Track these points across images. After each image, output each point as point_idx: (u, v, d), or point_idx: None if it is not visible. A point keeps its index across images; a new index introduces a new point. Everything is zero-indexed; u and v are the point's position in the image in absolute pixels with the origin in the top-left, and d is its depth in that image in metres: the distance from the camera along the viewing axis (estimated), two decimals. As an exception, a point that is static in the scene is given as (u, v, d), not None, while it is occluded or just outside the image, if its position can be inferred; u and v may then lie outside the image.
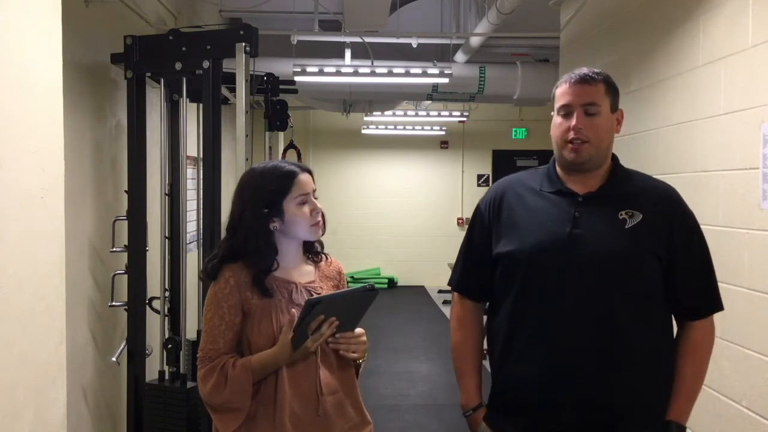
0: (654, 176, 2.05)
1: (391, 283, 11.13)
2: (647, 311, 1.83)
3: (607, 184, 1.91)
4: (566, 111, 1.87)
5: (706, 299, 1.91)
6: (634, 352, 1.81)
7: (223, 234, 2.01)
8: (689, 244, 1.88)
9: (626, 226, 1.83)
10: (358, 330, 1.96)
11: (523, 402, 1.88)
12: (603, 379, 1.80)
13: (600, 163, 1.90)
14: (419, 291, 10.91)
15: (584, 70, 1.89)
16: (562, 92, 1.89)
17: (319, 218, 1.95)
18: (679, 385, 1.87)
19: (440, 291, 10.60)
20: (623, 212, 1.85)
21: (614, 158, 1.96)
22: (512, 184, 2.02)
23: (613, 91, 1.89)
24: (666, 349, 1.88)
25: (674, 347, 1.90)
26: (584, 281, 1.81)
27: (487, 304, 2.02)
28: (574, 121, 1.84)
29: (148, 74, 3.59)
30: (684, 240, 1.87)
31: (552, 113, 1.94)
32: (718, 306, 1.93)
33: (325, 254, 2.07)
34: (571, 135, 1.85)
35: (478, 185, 11.36)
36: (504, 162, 11.33)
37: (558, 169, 1.95)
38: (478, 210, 2.06)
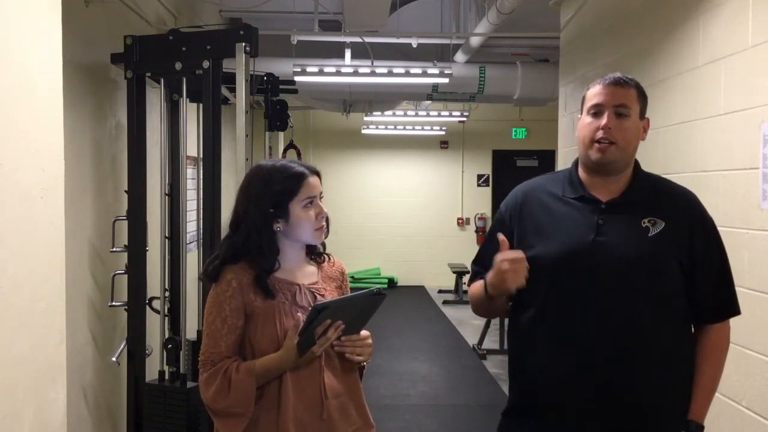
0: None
1: (391, 283, 11.12)
2: (669, 315, 1.86)
3: (629, 191, 1.92)
4: (597, 110, 1.88)
5: (724, 303, 1.94)
6: (657, 355, 1.84)
7: (224, 234, 1.99)
8: (709, 250, 1.91)
9: (649, 234, 1.85)
10: (364, 332, 1.94)
11: (544, 404, 1.90)
12: (626, 379, 1.82)
13: (623, 168, 1.92)
14: (419, 291, 10.91)
15: (617, 74, 1.91)
16: (594, 93, 1.90)
17: (324, 222, 1.92)
18: (698, 385, 1.90)
19: (440, 291, 10.60)
20: (646, 220, 1.87)
21: (636, 163, 1.97)
22: (534, 188, 2.03)
23: (643, 98, 1.91)
24: (686, 351, 1.91)
25: (693, 348, 1.92)
26: (607, 288, 1.83)
27: (510, 304, 2.03)
28: (604, 120, 1.85)
29: (148, 74, 3.59)
30: (704, 246, 1.90)
31: (578, 115, 1.96)
32: (736, 310, 1.96)
33: (327, 255, 2.05)
34: (600, 134, 1.86)
35: (478, 185, 11.36)
36: (504, 162, 11.35)
37: (580, 172, 1.96)
38: (499, 214, 2.07)
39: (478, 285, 1.98)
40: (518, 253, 1.83)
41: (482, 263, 2.02)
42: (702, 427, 1.90)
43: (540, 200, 1.98)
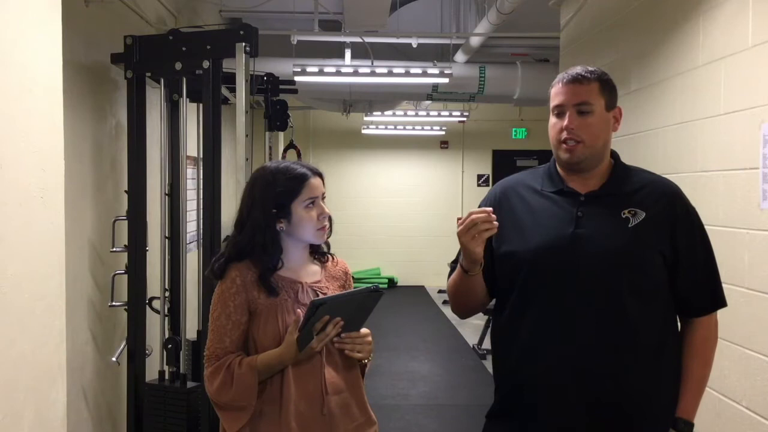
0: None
1: (391, 283, 11.12)
2: (653, 308, 1.83)
3: (609, 183, 1.90)
4: (559, 111, 1.87)
5: (710, 296, 1.91)
6: (641, 350, 1.81)
7: (224, 234, 2.02)
8: (693, 241, 1.88)
9: (629, 225, 1.83)
10: (364, 330, 1.97)
11: (527, 403, 1.88)
12: (610, 376, 1.80)
13: (596, 163, 1.90)
14: (419, 291, 10.91)
15: (577, 69, 1.88)
16: (555, 92, 1.88)
17: (326, 222, 1.97)
18: (686, 382, 1.87)
19: (440, 291, 10.60)
20: (626, 211, 1.84)
21: (615, 155, 1.95)
22: (513, 184, 2.01)
23: (608, 89, 1.88)
24: (672, 345, 1.88)
25: (679, 344, 1.90)
26: (589, 280, 1.81)
27: (492, 302, 2.02)
28: (566, 121, 1.84)
29: (148, 74, 3.58)
30: (687, 237, 1.87)
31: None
32: (722, 302, 1.93)
33: (331, 254, 2.09)
34: (564, 135, 1.84)
35: (478, 185, 11.37)
36: (504, 162, 11.34)
37: (558, 168, 1.95)
38: None
39: (455, 272, 1.95)
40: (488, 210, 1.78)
41: (459, 261, 2.00)
42: (691, 425, 1.86)
43: (519, 195, 1.97)
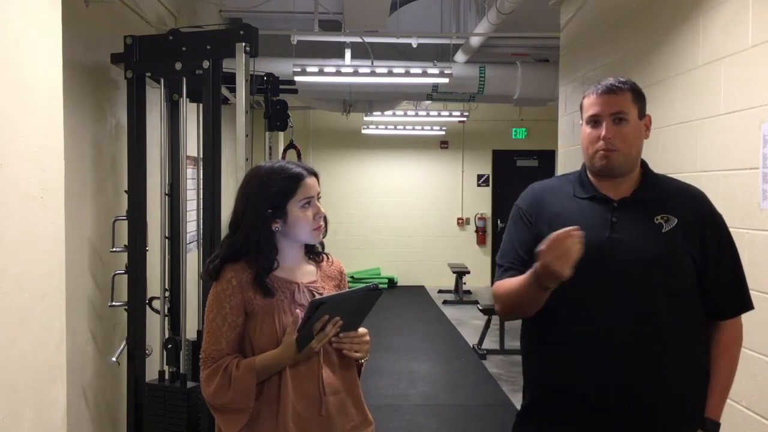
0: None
1: (391, 283, 11.12)
2: (685, 312, 1.87)
3: (640, 189, 1.94)
4: (595, 120, 1.91)
5: (737, 299, 1.96)
6: (674, 352, 1.84)
7: (224, 234, 2.01)
8: (720, 245, 1.93)
9: (663, 230, 1.87)
10: (362, 329, 1.97)
11: (560, 403, 1.89)
12: (644, 378, 1.83)
13: (630, 170, 1.94)
14: (419, 291, 10.91)
15: (611, 80, 1.93)
16: (590, 103, 1.92)
17: (321, 222, 1.95)
18: (714, 382, 1.91)
19: (440, 291, 10.60)
20: (659, 217, 1.89)
21: (643, 163, 1.99)
22: (548, 187, 2.05)
23: (640, 98, 1.93)
24: (702, 347, 1.91)
25: (708, 345, 1.93)
26: (625, 284, 1.84)
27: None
28: (603, 131, 1.88)
29: (148, 74, 3.59)
30: (715, 241, 1.92)
31: (580, 122, 1.98)
32: (748, 305, 1.97)
33: (326, 254, 2.08)
34: (601, 144, 1.89)
35: (478, 185, 11.37)
36: (504, 162, 11.35)
37: (589, 174, 1.98)
38: (518, 210, 2.03)
39: (518, 280, 1.88)
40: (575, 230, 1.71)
41: (510, 256, 1.96)
42: (718, 425, 1.90)
43: (556, 197, 2.00)
